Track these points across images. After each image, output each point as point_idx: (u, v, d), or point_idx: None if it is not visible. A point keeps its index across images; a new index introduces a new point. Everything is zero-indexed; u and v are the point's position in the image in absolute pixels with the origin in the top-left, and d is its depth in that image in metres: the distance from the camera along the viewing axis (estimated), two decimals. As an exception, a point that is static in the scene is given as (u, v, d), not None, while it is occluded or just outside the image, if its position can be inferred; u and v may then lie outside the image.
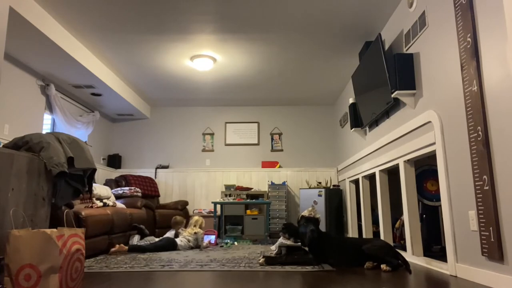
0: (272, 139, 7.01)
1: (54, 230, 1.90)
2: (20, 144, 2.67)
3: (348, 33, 4.19)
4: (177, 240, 4.28)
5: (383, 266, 2.81)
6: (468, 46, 2.39)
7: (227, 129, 7.05)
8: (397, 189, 4.01)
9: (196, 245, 4.40)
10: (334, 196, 5.84)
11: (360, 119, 4.69)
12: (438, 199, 3.94)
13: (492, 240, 2.17)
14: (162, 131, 7.06)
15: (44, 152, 2.63)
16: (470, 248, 2.45)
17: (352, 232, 5.49)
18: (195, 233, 4.47)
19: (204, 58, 4.84)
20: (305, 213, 3.29)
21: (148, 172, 6.80)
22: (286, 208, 6.24)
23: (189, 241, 4.35)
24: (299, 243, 3.31)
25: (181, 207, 5.98)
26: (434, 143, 2.88)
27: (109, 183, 5.71)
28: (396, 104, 3.66)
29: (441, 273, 2.73)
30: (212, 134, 7.04)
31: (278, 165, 6.83)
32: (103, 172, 6.34)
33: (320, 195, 5.77)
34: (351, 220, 5.53)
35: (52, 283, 1.81)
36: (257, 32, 4.18)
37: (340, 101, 6.46)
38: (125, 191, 5.36)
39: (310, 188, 6.09)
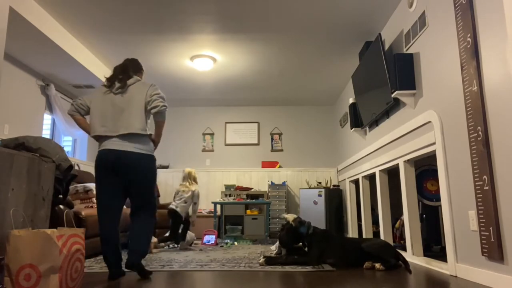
0: (272, 139, 7.01)
1: (54, 230, 1.90)
2: (12, 146, 2.60)
3: (348, 33, 4.19)
4: (174, 207, 4.19)
5: (377, 265, 2.82)
6: (468, 46, 2.39)
7: (227, 129, 7.05)
8: (397, 189, 4.01)
9: (186, 214, 4.21)
10: (334, 196, 5.84)
11: (360, 119, 4.69)
12: (438, 199, 3.94)
13: (492, 240, 2.17)
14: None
15: (48, 149, 2.62)
16: (470, 248, 2.45)
17: (352, 232, 5.49)
18: (192, 191, 4.25)
19: (204, 58, 4.84)
20: (289, 218, 3.31)
21: (148, 172, 6.79)
22: (286, 208, 6.24)
23: (185, 202, 4.20)
24: (300, 243, 3.31)
25: (181, 207, 5.97)
26: (434, 143, 2.88)
27: (109, 183, 5.70)
28: (396, 104, 3.66)
29: (441, 273, 2.73)
30: (212, 134, 7.04)
31: (278, 165, 6.83)
32: (103, 172, 6.33)
33: (320, 195, 5.77)
34: (351, 220, 5.53)
35: (52, 283, 1.81)
36: (257, 32, 4.18)
37: (340, 101, 6.46)
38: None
39: (310, 188, 6.09)
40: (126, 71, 2.71)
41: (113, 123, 2.52)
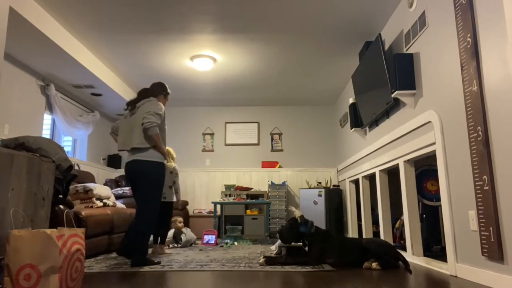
0: (272, 139, 7.01)
1: (54, 230, 1.90)
2: (12, 146, 2.60)
3: (348, 33, 4.19)
4: (162, 198, 3.82)
5: (374, 265, 2.81)
6: (468, 46, 2.39)
7: (227, 129, 7.05)
8: (397, 189, 4.01)
9: (171, 196, 3.95)
10: (334, 196, 5.84)
11: (360, 119, 4.68)
12: (438, 199, 3.94)
13: (492, 240, 2.17)
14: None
15: (48, 149, 2.63)
16: (470, 248, 2.45)
17: (352, 232, 5.49)
18: (170, 171, 4.00)
19: (204, 58, 4.84)
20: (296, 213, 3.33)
21: (148, 172, 6.79)
22: (286, 208, 6.24)
23: (170, 186, 3.97)
24: (300, 243, 3.31)
25: (181, 207, 5.98)
26: (434, 143, 2.88)
27: (109, 183, 5.71)
28: (396, 104, 3.66)
29: (441, 273, 2.73)
30: (212, 134, 7.04)
31: (278, 165, 6.83)
32: (103, 172, 6.34)
33: (320, 195, 5.77)
34: (351, 220, 5.53)
35: (52, 283, 1.81)
36: (257, 32, 4.18)
37: (340, 101, 6.46)
38: (125, 191, 5.35)
39: (310, 188, 6.09)
40: (141, 95, 3.25)
41: (127, 139, 3.11)
